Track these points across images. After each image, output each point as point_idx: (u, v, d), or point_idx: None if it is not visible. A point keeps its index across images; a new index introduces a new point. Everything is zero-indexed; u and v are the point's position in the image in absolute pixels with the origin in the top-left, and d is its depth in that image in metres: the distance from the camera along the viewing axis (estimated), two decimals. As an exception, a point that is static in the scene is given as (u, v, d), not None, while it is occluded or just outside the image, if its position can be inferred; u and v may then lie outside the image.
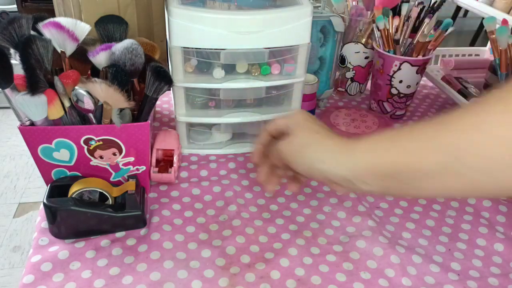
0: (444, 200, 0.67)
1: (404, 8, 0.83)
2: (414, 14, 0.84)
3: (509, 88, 0.33)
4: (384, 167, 0.40)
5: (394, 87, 0.84)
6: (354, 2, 0.90)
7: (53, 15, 0.67)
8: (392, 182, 0.40)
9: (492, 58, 0.83)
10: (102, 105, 0.54)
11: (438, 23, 0.81)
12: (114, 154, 0.58)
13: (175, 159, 0.66)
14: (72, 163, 0.58)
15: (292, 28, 0.66)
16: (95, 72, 0.60)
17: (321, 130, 0.47)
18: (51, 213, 0.54)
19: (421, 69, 0.82)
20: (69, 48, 0.58)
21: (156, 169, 0.65)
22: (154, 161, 0.64)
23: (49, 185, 0.57)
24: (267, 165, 0.54)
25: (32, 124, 0.54)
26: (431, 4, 0.89)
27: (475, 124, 0.34)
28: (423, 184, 0.38)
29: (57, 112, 0.53)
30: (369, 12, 0.88)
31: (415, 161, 0.37)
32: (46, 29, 0.56)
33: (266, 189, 0.55)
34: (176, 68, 0.67)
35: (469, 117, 0.35)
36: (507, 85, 0.33)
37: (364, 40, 0.89)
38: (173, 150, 0.66)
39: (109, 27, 0.64)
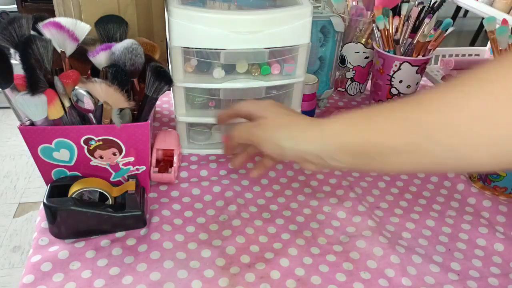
0: (444, 200, 0.67)
1: (404, 8, 0.83)
2: (414, 14, 0.84)
3: (487, 69, 0.35)
4: (355, 146, 0.41)
5: (394, 87, 0.84)
6: (354, 2, 0.90)
7: (53, 15, 0.67)
8: (361, 159, 0.41)
9: (492, 58, 0.83)
10: (102, 105, 0.54)
11: (438, 23, 0.81)
12: (114, 154, 0.58)
13: (175, 159, 0.66)
14: (72, 163, 0.58)
15: (292, 28, 0.66)
16: (95, 72, 0.60)
17: (291, 113, 0.49)
18: (51, 213, 0.54)
19: (421, 69, 0.82)
20: (69, 48, 0.58)
21: (156, 169, 0.65)
22: (154, 161, 0.64)
23: (49, 185, 0.57)
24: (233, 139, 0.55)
25: (32, 124, 0.54)
26: (431, 4, 0.89)
27: (454, 105, 0.35)
28: (390, 160, 0.39)
29: (57, 112, 0.53)
30: (369, 12, 0.88)
31: (387, 140, 0.38)
32: (46, 29, 0.56)
33: (232, 164, 0.58)
34: (176, 68, 0.67)
35: (447, 97, 0.36)
36: (485, 65, 0.35)
37: (364, 40, 0.89)
38: (173, 150, 0.66)
39: (109, 27, 0.64)
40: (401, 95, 0.84)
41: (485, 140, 0.33)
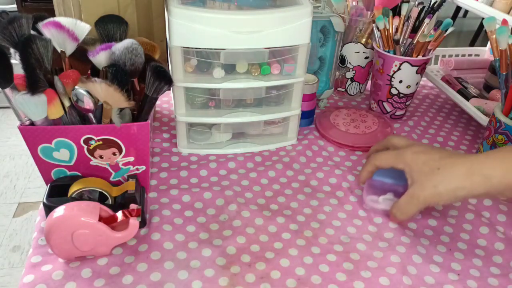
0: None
1: (404, 8, 0.83)
2: (414, 14, 0.84)
3: None
4: None
5: (394, 87, 0.84)
6: (354, 2, 0.90)
7: (53, 15, 0.67)
8: None
9: (492, 58, 0.83)
10: (102, 105, 0.54)
11: (438, 23, 0.81)
12: (114, 154, 0.58)
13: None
14: (72, 163, 0.58)
15: (292, 28, 0.66)
16: (95, 72, 0.60)
17: (440, 162, 0.53)
18: (51, 213, 0.54)
19: (421, 69, 0.82)
20: (69, 47, 0.58)
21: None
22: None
23: (49, 184, 0.57)
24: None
25: (32, 123, 0.54)
26: (431, 4, 0.89)
27: None
28: None
29: (57, 112, 0.53)
30: (369, 12, 0.88)
31: None
32: (46, 29, 0.56)
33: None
34: (176, 68, 0.67)
35: None
36: None
37: (364, 40, 0.89)
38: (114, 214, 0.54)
39: (109, 27, 0.64)
40: (401, 95, 0.84)
41: None
